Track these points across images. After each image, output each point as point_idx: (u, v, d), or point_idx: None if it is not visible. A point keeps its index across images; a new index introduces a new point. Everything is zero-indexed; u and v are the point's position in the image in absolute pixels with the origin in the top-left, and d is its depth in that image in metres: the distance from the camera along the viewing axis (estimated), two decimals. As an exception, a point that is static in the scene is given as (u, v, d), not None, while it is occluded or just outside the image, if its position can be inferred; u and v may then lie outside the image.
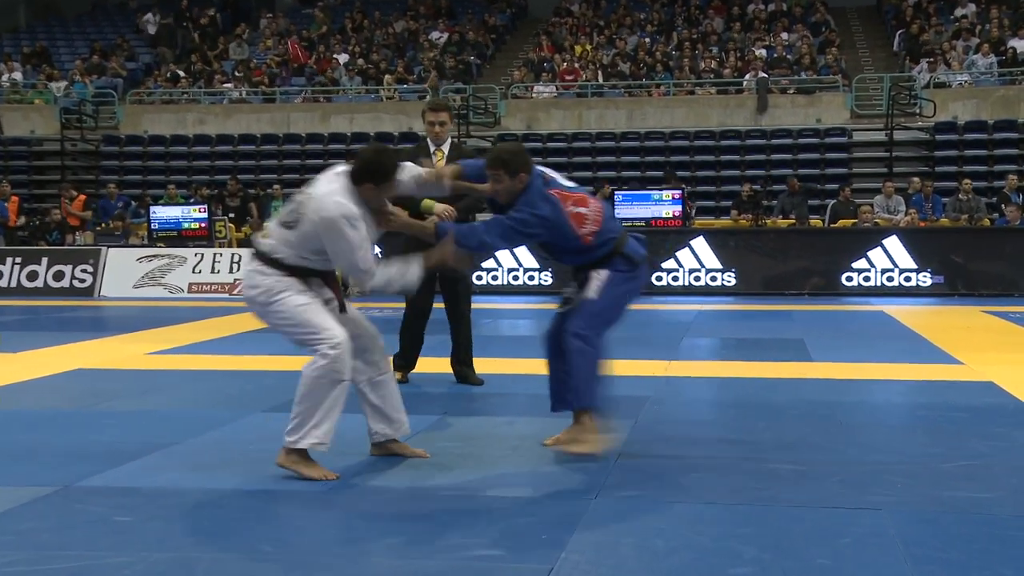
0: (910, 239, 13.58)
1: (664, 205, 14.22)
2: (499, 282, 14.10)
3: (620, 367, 7.20)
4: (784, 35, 21.54)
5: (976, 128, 18.25)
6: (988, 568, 3.19)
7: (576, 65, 21.08)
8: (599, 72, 20.97)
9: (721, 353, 8.34)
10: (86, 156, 20.46)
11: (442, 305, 6.65)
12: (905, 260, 13.50)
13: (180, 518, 3.72)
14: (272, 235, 4.35)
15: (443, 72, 20.96)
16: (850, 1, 24.02)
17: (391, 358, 6.59)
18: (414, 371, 6.73)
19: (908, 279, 13.49)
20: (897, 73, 19.82)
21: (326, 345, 4.21)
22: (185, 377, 6.99)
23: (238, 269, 13.80)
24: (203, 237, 14.79)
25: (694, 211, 15.76)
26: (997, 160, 17.85)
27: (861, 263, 13.58)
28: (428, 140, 6.54)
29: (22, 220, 16.69)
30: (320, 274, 4.36)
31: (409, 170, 4.50)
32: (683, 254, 13.86)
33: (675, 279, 13.84)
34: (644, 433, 5.12)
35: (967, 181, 15.69)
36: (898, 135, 18.40)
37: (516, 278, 14.11)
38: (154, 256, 14.52)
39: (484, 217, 4.88)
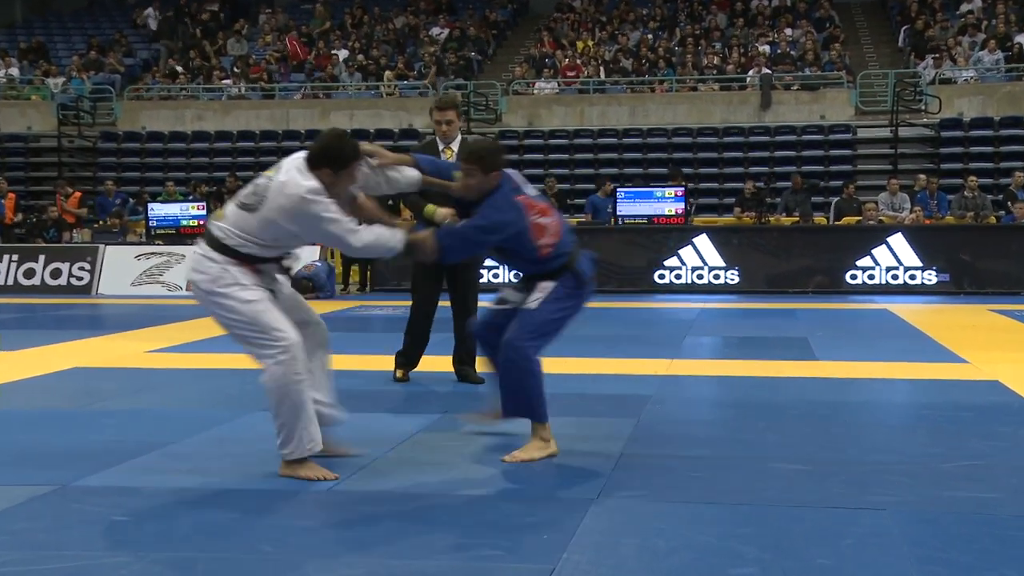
0: (915, 237, 13.51)
1: (667, 202, 14.14)
2: (500, 280, 14.01)
3: (622, 366, 7.34)
4: (788, 31, 21.43)
5: (982, 125, 18.14)
6: (991, 569, 3.17)
7: (578, 61, 20.97)
8: (601, 68, 20.87)
9: (724, 352, 8.29)
10: (83, 153, 20.38)
11: (447, 303, 6.58)
12: (910, 258, 13.42)
13: (178, 518, 3.71)
14: (228, 218, 4.20)
15: (443, 68, 20.85)
16: (854, -4, 23.93)
17: (394, 356, 6.61)
18: (414, 370, 6.67)
19: (913, 277, 13.41)
20: (902, 69, 19.70)
21: (278, 351, 4.11)
22: (184, 376, 6.94)
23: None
24: (201, 234, 14.67)
25: (693, 208, 15.66)
26: (1003, 157, 17.75)
27: (866, 261, 13.50)
28: (436, 138, 6.45)
29: (19, 217, 16.59)
30: (273, 260, 4.25)
31: (367, 163, 4.39)
32: (686, 252, 13.79)
33: (678, 277, 13.77)
34: (646, 432, 5.10)
35: (973, 178, 15.60)
36: (903, 132, 18.31)
37: (518, 276, 14.00)
38: (152, 254, 14.44)
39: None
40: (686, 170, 17.67)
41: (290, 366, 4.11)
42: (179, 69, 21.85)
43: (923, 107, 18.53)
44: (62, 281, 14.52)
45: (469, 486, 4.12)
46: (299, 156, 4.20)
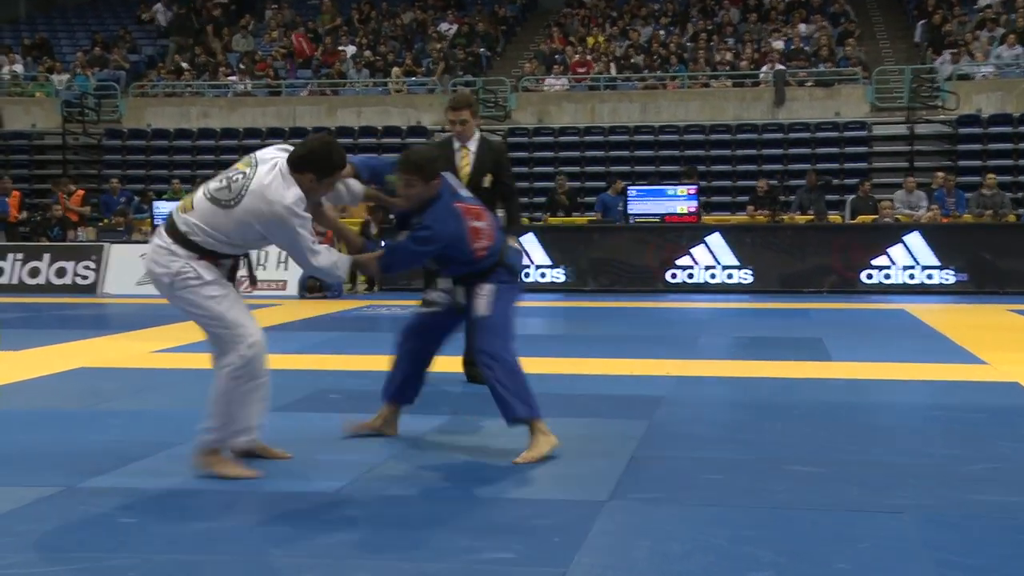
0: (932, 235, 13.36)
1: (679, 200, 14.01)
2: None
3: (633, 366, 7.24)
4: (802, 26, 21.21)
5: (1001, 121, 17.89)
6: (1013, 573, 3.12)
7: (588, 57, 20.80)
8: (612, 64, 20.68)
9: (737, 352, 8.20)
10: (88, 150, 20.27)
11: None
12: (927, 257, 13.25)
13: (185, 520, 3.70)
14: (197, 211, 4.10)
15: (450, 66, 20.67)
16: (870, -9, 23.66)
17: None
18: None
19: (930, 276, 13.24)
20: (919, 65, 19.45)
21: (243, 345, 4.10)
22: (189, 376, 6.85)
23: (244, 266, 13.57)
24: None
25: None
26: (1022, 154, 17.50)
27: (882, 260, 13.34)
28: (452, 137, 6.36)
29: (23, 215, 16.48)
30: (232, 257, 4.23)
31: None
32: (698, 251, 13.66)
33: (690, 276, 13.65)
34: (658, 434, 5.07)
35: (991, 175, 15.37)
36: (920, 128, 18.09)
37: (527, 275, 13.88)
38: (158, 252, 14.31)
39: None
40: (699, 168, 17.47)
41: (253, 360, 4.11)
42: (184, 66, 21.72)
43: (940, 103, 18.31)
44: (67, 280, 14.41)
45: (479, 488, 4.10)
46: (279, 156, 4.12)
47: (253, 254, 4.65)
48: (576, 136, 19.05)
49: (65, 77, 21.29)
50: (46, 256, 14.56)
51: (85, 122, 20.32)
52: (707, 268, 13.65)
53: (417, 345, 4.79)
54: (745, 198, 16.26)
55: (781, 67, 19.40)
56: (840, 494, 3.96)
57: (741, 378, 6.87)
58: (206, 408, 4.19)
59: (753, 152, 18.34)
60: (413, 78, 20.72)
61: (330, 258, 4.20)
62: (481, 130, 6.53)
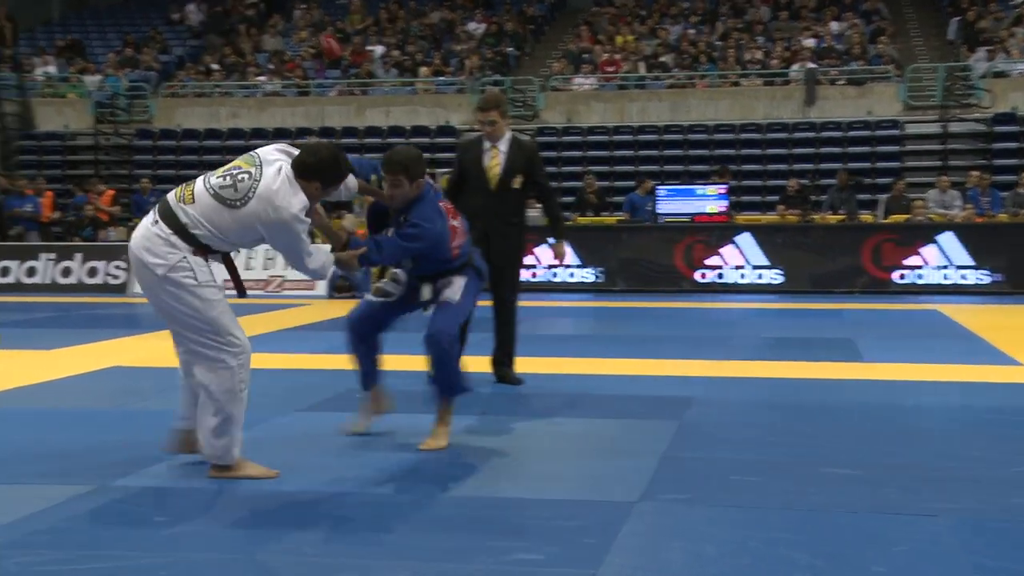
0: (966, 235, 13.20)
1: (709, 200, 13.91)
2: (537, 279, 13.82)
3: (663, 367, 7.18)
4: (833, 24, 20.98)
5: (1037, 119, 17.62)
6: None
7: (617, 56, 20.70)
8: (641, 63, 20.57)
9: (768, 353, 8.12)
10: (119, 151, 20.40)
11: (488, 303, 6.50)
12: (961, 257, 13.08)
13: (217, 519, 3.72)
14: (199, 205, 4.05)
15: (479, 64, 20.62)
16: (903, -12, 23.39)
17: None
18: None
19: (965, 277, 13.06)
20: (953, 63, 19.20)
21: (230, 355, 4.06)
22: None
23: (274, 266, 13.65)
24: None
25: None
26: (1057, 152, 17.23)
27: (915, 260, 13.18)
28: (483, 138, 6.35)
29: (56, 215, 16.61)
30: (220, 253, 4.19)
31: None
32: (728, 251, 13.55)
33: (720, 276, 13.54)
34: (689, 434, 5.04)
35: (1028, 174, 15.12)
36: (953, 127, 17.84)
37: (556, 275, 13.84)
38: (188, 251, 14.38)
39: None
40: (729, 167, 17.33)
41: (240, 372, 4.09)
42: (214, 66, 21.82)
43: (975, 101, 18.05)
44: (98, 280, 14.51)
45: (509, 488, 4.08)
46: (283, 158, 4.09)
47: (239, 260, 4.69)
48: (605, 135, 18.96)
49: (97, 78, 21.43)
50: (78, 256, 14.67)
51: (116, 123, 20.47)
52: (737, 268, 13.54)
53: (367, 333, 4.89)
54: (775, 198, 16.12)
55: (812, 65, 19.21)
56: (875, 496, 3.91)
57: (772, 379, 6.81)
58: (202, 423, 4.13)
59: (783, 151, 18.17)
60: (442, 78, 20.70)
61: (321, 259, 4.22)
62: (510, 129, 6.50)
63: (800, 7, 21.92)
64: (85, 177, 18.59)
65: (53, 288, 14.40)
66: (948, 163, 17.25)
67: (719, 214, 13.86)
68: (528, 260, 13.66)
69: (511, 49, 21.60)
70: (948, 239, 13.14)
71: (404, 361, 7.34)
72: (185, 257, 4.01)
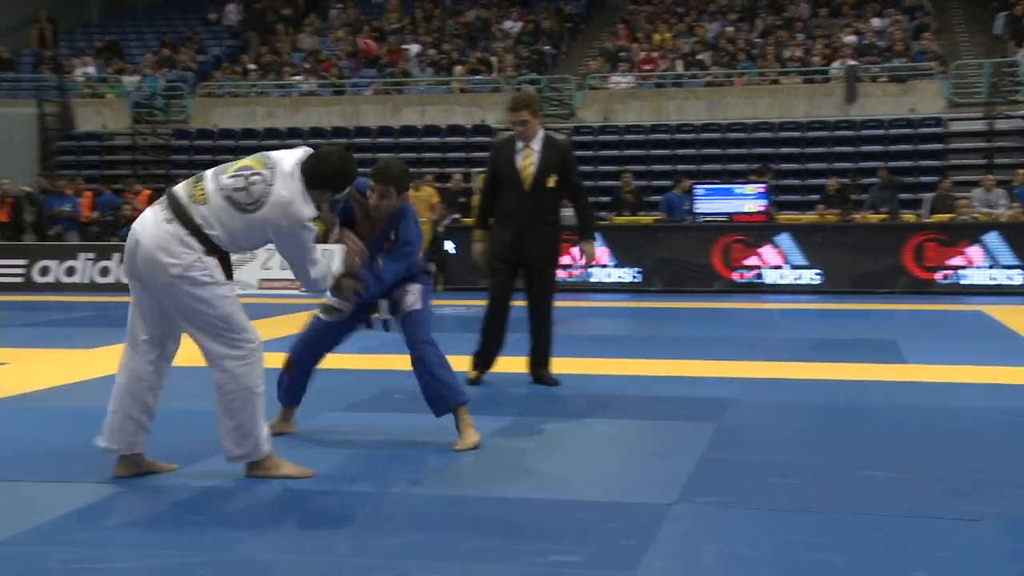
0: (1013, 235, 12.93)
1: (747, 200, 13.73)
2: (573, 279, 13.70)
3: (701, 368, 7.07)
4: (875, 20, 20.68)
5: (1086, 116, 17.24)
6: None
7: (655, 54, 20.52)
8: (679, 61, 20.38)
9: (807, 354, 8.00)
10: (156, 151, 20.54)
11: (524, 303, 6.46)
12: (1007, 257, 12.83)
13: (253, 519, 3.74)
14: (211, 205, 3.99)
15: (510, 63, 20.52)
16: (948, -17, 23.00)
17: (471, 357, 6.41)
18: (489, 371, 6.52)
19: (1011, 277, 12.78)
20: (999, 58, 18.83)
21: (247, 351, 4.02)
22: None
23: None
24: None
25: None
26: (1108, 150, 16.85)
27: (958, 260, 12.92)
28: (515, 137, 6.29)
29: (95, 215, 16.73)
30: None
31: None
32: (767, 250, 13.37)
33: (758, 277, 13.36)
34: (727, 436, 4.98)
35: (1076, 173, 14.79)
36: (999, 124, 17.51)
37: (592, 275, 13.72)
38: (224, 252, 14.44)
39: None
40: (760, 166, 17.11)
41: (255, 368, 4.04)
42: (251, 66, 21.91)
43: (1022, 98, 17.69)
44: (136, 278, 14.56)
45: (544, 490, 4.05)
46: (296, 168, 4.05)
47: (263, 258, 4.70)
48: (642, 134, 18.80)
49: (135, 78, 21.59)
50: (116, 255, 14.74)
51: (153, 123, 20.62)
52: (775, 268, 13.36)
53: (316, 352, 4.90)
54: (815, 197, 15.90)
55: (853, 63, 18.92)
56: (916, 500, 3.85)
57: (812, 380, 6.70)
58: (223, 425, 4.08)
59: (823, 150, 17.93)
60: (477, 76, 20.64)
61: (322, 271, 4.22)
62: (545, 128, 6.42)
63: (841, 3, 21.64)
64: (122, 177, 18.75)
65: (92, 288, 14.48)
66: (993, 161, 16.94)
67: (757, 213, 13.68)
68: (564, 260, 13.56)
69: (547, 47, 21.49)
70: (993, 239, 12.89)
71: (406, 361, 7.26)
72: (200, 257, 3.96)
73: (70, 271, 14.79)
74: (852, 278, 13.20)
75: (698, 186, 14.43)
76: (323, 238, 4.49)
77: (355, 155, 21.29)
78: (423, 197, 15.74)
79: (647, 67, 20.25)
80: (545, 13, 22.94)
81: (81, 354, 7.94)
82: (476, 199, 6.76)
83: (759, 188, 13.98)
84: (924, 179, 16.67)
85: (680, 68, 20.22)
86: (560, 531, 3.51)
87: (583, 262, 6.45)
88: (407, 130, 19.59)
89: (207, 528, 3.57)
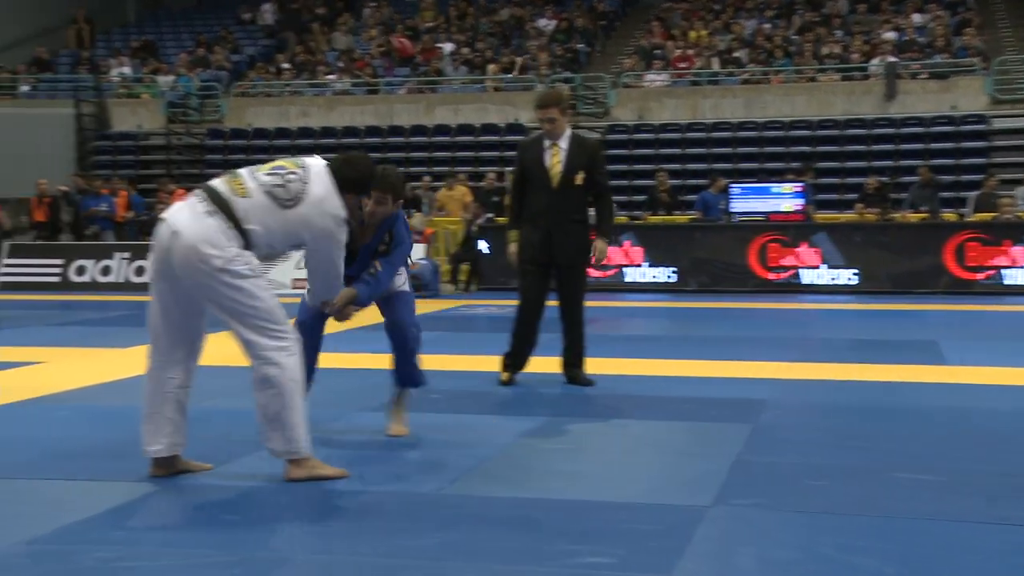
0: (1057, 233, 12.61)
1: (784, 199, 13.56)
2: (608, 279, 13.60)
3: (736, 368, 6.97)
4: (916, 16, 20.39)
5: None
6: None
7: (690, 52, 20.36)
8: (715, 59, 20.20)
9: (845, 355, 7.88)
10: (191, 150, 20.67)
11: (556, 303, 6.41)
12: (1052, 256, 12.52)
13: (286, 518, 3.75)
14: (252, 200, 3.98)
15: (544, 61, 20.42)
16: (991, -23, 22.62)
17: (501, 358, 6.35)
18: (522, 371, 6.47)
19: (1055, 277, 12.50)
20: (1043, 55, 18.50)
21: (289, 344, 3.99)
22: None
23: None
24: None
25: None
26: None
27: (1001, 260, 12.67)
28: (543, 136, 6.26)
29: (131, 215, 16.85)
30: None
31: None
32: (804, 250, 13.19)
33: (795, 277, 13.18)
34: (762, 438, 4.92)
35: (1122, 170, 14.47)
36: (1045, 121, 17.18)
37: (625, 275, 13.60)
38: (257, 251, 14.46)
39: None
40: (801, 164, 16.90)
41: (298, 362, 4.02)
42: (285, 65, 21.99)
43: (1067, 94, 17.39)
44: (171, 277, 14.63)
45: (578, 491, 4.02)
46: (328, 172, 4.09)
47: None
48: (677, 133, 18.66)
49: (170, 78, 21.74)
50: (151, 255, 14.81)
51: (188, 122, 20.75)
52: (812, 268, 13.18)
53: (313, 340, 4.90)
54: (853, 196, 15.69)
55: (893, 59, 18.65)
56: (956, 504, 3.79)
57: (849, 381, 6.58)
58: (269, 421, 4.02)
59: (862, 148, 17.71)
60: (510, 75, 20.57)
61: (336, 287, 4.31)
62: (580, 127, 6.37)
63: (880, 0, 21.34)
64: (156, 177, 18.88)
65: (127, 287, 14.55)
66: (1039, 158, 16.62)
67: (794, 213, 13.50)
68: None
69: (582, 46, 21.39)
70: (1038, 238, 12.63)
71: (451, 361, 7.25)
72: (240, 252, 3.94)
73: (106, 270, 14.89)
74: (891, 278, 12.99)
75: (734, 185, 14.27)
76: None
77: (389, 154, 21.38)
78: (456, 196, 15.75)
79: (682, 65, 20.09)
80: (579, 11, 22.84)
81: (116, 353, 7.97)
82: (508, 199, 6.70)
83: (796, 187, 13.80)
84: (966, 178, 16.40)
85: (716, 66, 20.04)
86: (593, 532, 3.48)
87: (595, 260, 6.32)
88: (441, 129, 19.57)
89: (240, 528, 3.57)
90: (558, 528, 3.54)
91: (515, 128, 18.94)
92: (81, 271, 14.94)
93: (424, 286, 13.19)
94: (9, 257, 15.08)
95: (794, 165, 16.54)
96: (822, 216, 14.76)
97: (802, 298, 12.59)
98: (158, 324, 4.09)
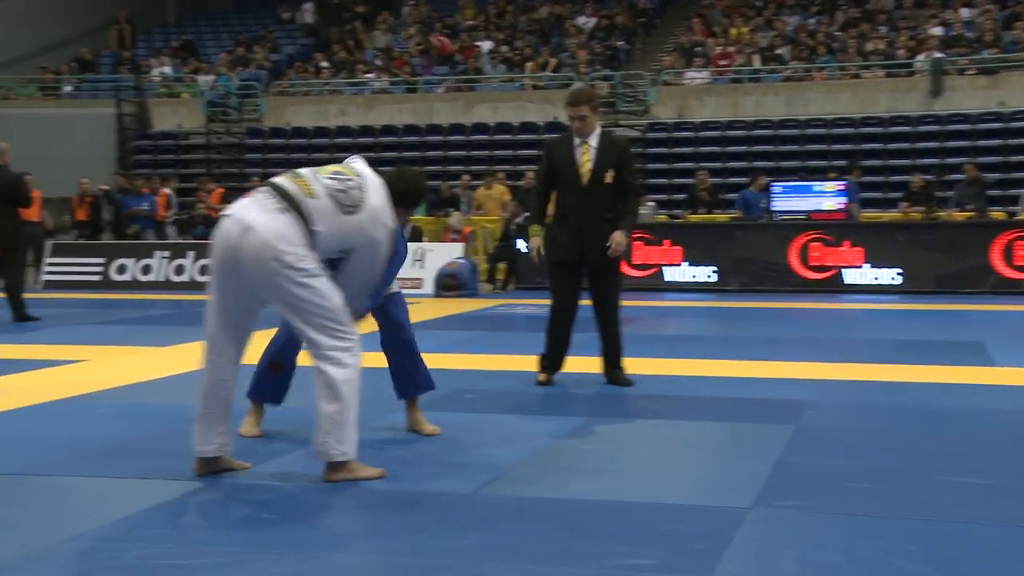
0: (1108, 232, 12.33)
1: (826, 197, 13.37)
2: (647, 278, 13.50)
3: (778, 369, 6.87)
4: (964, 11, 20.03)
5: None
6: None
7: (731, 49, 20.17)
8: (756, 56, 20.00)
9: (889, 356, 7.74)
10: (230, 149, 20.82)
11: (589, 302, 6.36)
12: (1103, 255, 12.24)
13: (324, 518, 3.76)
14: (319, 202, 3.98)
15: (583, 59, 20.33)
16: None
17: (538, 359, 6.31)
18: (560, 371, 6.43)
19: (1107, 277, 12.22)
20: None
21: (355, 344, 4.00)
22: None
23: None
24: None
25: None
26: None
27: (1051, 259, 12.41)
28: (572, 134, 6.22)
29: (171, 214, 17.00)
30: None
31: None
32: (846, 249, 13.00)
33: (837, 276, 12.98)
34: (804, 439, 4.87)
35: None
36: (1095, 117, 16.82)
37: (664, 274, 13.50)
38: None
39: None
40: (845, 163, 16.67)
41: (360, 363, 4.02)
42: (324, 64, 22.09)
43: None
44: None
45: (616, 492, 3.99)
46: (381, 183, 4.16)
47: None
48: (718, 131, 18.51)
49: (210, 78, 21.92)
50: (191, 254, 14.96)
51: (228, 121, 20.91)
52: (855, 267, 12.98)
53: (297, 351, 4.84)
54: (898, 194, 15.45)
55: (939, 55, 18.34)
56: (1002, 508, 3.73)
57: (893, 382, 6.47)
58: (328, 421, 4.00)
59: (907, 146, 17.45)
60: (549, 73, 20.50)
61: (368, 294, 4.33)
62: (619, 125, 6.31)
63: (926, -6, 21.02)
64: (196, 176, 19.02)
65: (167, 286, 14.70)
66: (1091, 155, 16.27)
67: (837, 211, 13.31)
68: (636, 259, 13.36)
69: (621, 43, 21.27)
70: (1088, 236, 12.35)
71: (488, 361, 7.21)
72: (307, 252, 3.95)
73: (146, 269, 15.04)
74: (936, 278, 12.77)
75: (776, 183, 14.11)
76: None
77: (427, 154, 21.42)
78: (495, 195, 15.72)
79: (723, 62, 19.92)
80: (619, 8, 22.73)
81: (157, 352, 8.03)
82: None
83: (839, 185, 13.61)
84: (1015, 175, 16.08)
85: (757, 63, 19.85)
86: (633, 533, 3.45)
87: (611, 251, 6.20)
88: (479, 127, 19.55)
89: (279, 526, 3.59)
90: (596, 529, 3.51)
91: (554, 126, 18.85)
92: (122, 270, 15.10)
93: (462, 285, 13.18)
94: (52, 256, 15.27)
95: (836, 163, 16.33)
96: (865, 215, 14.56)
97: (844, 298, 12.42)
98: (216, 323, 4.05)
